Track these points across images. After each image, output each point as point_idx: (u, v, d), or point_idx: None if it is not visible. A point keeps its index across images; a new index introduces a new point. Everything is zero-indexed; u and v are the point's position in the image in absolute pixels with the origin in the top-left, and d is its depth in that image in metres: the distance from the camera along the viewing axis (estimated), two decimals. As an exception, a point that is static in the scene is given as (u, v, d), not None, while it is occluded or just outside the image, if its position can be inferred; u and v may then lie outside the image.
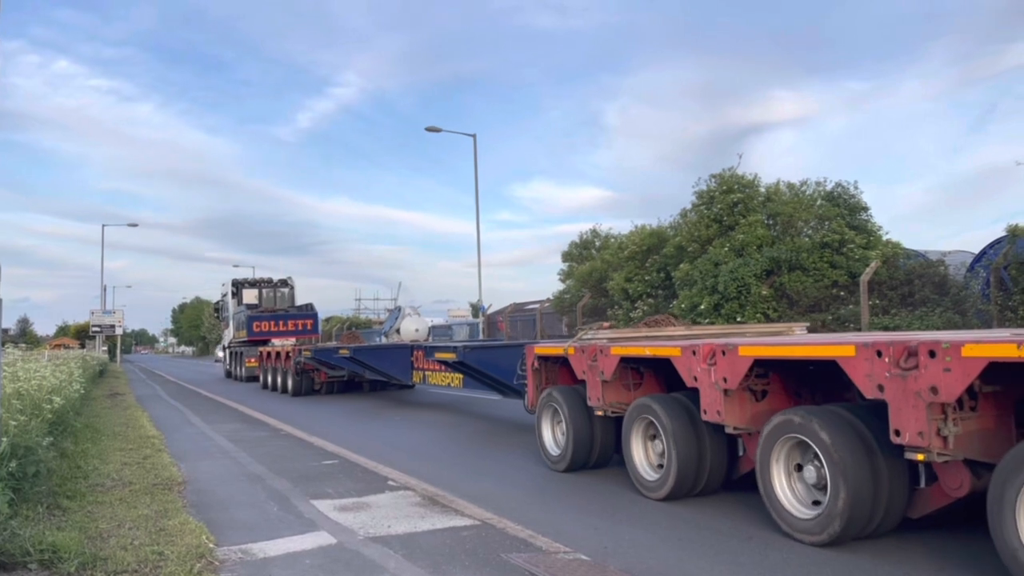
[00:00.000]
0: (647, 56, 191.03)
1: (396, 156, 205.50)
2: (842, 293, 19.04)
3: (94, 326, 50.02)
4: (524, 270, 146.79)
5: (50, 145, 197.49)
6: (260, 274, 44.76)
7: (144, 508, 5.96)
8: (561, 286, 31.79)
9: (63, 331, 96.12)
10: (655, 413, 6.25)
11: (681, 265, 22.18)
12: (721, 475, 6.16)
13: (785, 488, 5.10)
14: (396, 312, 26.82)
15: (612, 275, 25.90)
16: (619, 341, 7.62)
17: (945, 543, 4.74)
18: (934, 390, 4.08)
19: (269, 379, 22.37)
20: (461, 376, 12.33)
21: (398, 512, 5.84)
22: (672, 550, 4.86)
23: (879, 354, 4.41)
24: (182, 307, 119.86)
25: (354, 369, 18.27)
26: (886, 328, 16.58)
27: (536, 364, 8.48)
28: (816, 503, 4.89)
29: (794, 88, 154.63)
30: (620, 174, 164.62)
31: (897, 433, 4.29)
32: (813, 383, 5.32)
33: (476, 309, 29.81)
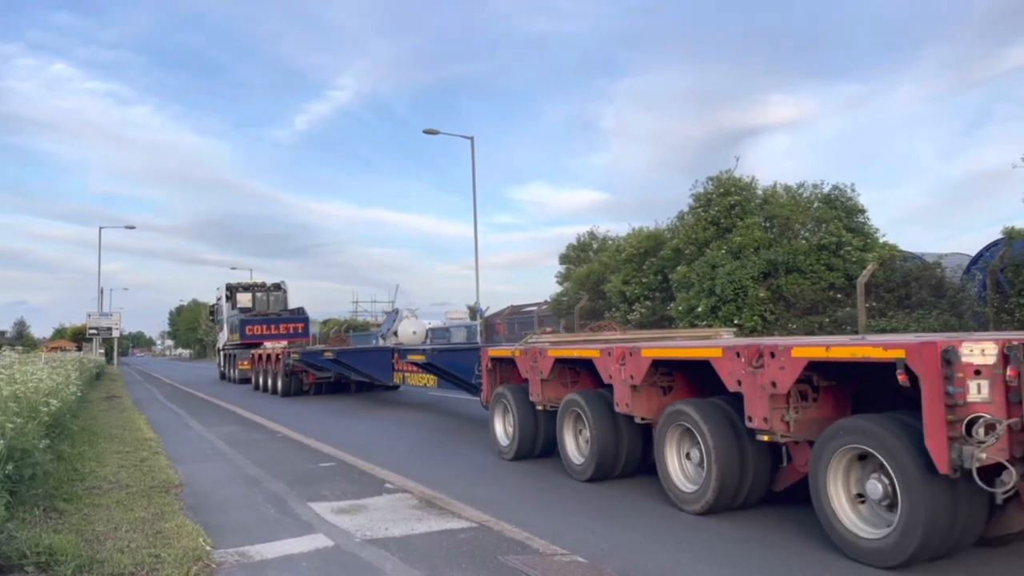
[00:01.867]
0: (642, 60, 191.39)
1: (393, 159, 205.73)
2: (839, 295, 19.06)
3: (91, 328, 49.94)
4: (521, 273, 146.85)
5: (47, 148, 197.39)
6: (257, 277, 44.95)
7: (141, 511, 5.95)
8: (559, 288, 31.82)
9: (60, 333, 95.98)
10: (581, 407, 7.24)
11: (678, 267, 22.21)
12: (637, 461, 7.13)
13: (676, 467, 6.10)
14: (394, 315, 26.83)
15: (610, 277, 25.92)
16: (559, 345, 8.64)
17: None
18: (774, 384, 5.01)
19: (260, 381, 22.93)
20: (435, 377, 13.16)
21: (395, 514, 5.84)
22: (669, 552, 4.86)
23: (738, 355, 5.34)
24: (179, 310, 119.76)
25: (339, 371, 18.94)
26: (883, 330, 16.61)
27: (490, 365, 9.51)
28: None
29: (789, 91, 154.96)
30: (616, 177, 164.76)
31: (750, 419, 5.25)
32: (714, 380, 5.73)
33: (474, 311, 29.83)
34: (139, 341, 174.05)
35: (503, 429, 8.93)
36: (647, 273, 24.52)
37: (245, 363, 25.89)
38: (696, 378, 6.44)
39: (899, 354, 4.30)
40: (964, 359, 4.04)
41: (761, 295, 19.62)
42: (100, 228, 50.34)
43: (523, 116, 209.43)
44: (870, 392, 5.04)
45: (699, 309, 20.43)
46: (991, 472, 3.97)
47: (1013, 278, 14.84)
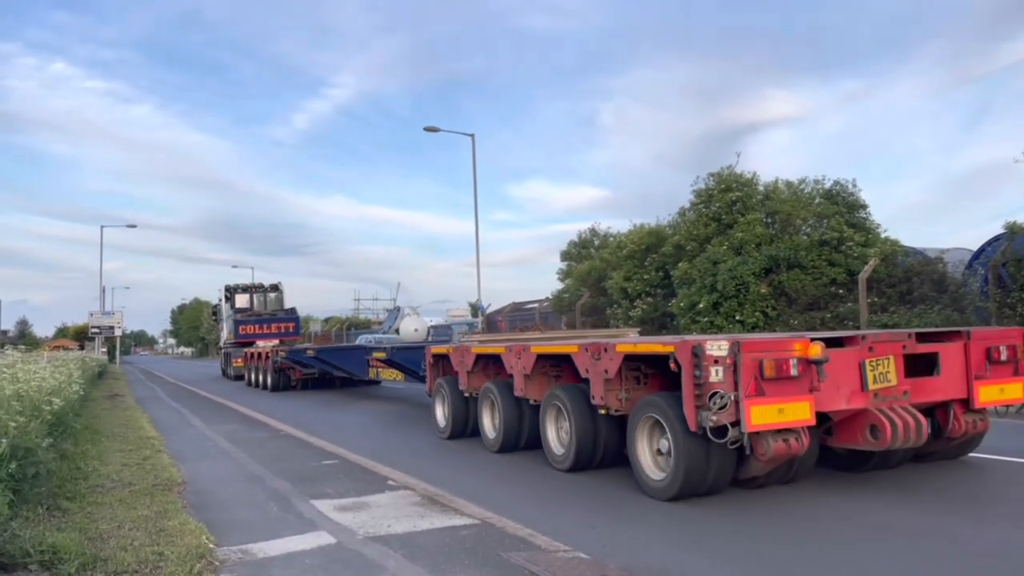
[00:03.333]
0: (641, 56, 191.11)
1: (393, 157, 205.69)
2: (841, 291, 19.03)
3: (93, 327, 49.95)
4: (522, 270, 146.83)
5: (47, 147, 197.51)
6: (258, 275, 45.45)
7: (144, 509, 5.96)
8: (560, 285, 31.79)
9: (62, 332, 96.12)
10: (493, 393, 8.94)
11: (680, 264, 22.18)
12: (534, 435, 8.38)
13: (553, 437, 7.83)
14: (395, 312, 26.89)
15: (611, 274, 25.88)
16: (487, 343, 10.27)
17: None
18: (607, 371, 6.79)
19: (252, 377, 24.54)
20: (402, 373, 14.80)
21: (398, 512, 5.85)
22: (671, 548, 4.87)
23: (586, 350, 7.13)
24: (181, 308, 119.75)
25: (321, 367, 20.54)
26: (884, 326, 16.59)
27: (432, 360, 11.12)
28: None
29: (788, 87, 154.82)
30: (616, 173, 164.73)
31: (594, 398, 7.07)
32: (623, 371, 6.94)
33: (475, 309, 29.82)
34: (141, 340, 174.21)
35: (442, 413, 10.47)
36: (648, 270, 24.47)
37: (239, 361, 27.35)
38: (571, 369, 7.70)
39: (670, 349, 6.00)
40: (707, 352, 5.58)
41: (763, 291, 19.59)
42: (102, 227, 50.28)
43: (522, 113, 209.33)
44: (675, 376, 6.05)
45: (701, 305, 20.40)
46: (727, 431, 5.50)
47: (1015, 273, 14.81)
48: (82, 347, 49.51)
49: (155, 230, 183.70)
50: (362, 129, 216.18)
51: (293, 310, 30.75)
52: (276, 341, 26.33)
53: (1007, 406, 6.87)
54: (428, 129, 28.31)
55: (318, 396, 19.77)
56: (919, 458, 7.12)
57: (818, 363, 5.68)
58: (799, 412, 5.64)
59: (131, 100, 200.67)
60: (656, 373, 6.94)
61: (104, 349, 52.90)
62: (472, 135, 28.99)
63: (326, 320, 54.93)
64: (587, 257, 31.18)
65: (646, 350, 6.49)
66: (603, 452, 7.38)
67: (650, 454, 6.43)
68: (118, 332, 51.61)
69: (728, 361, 5.61)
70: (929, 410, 6.54)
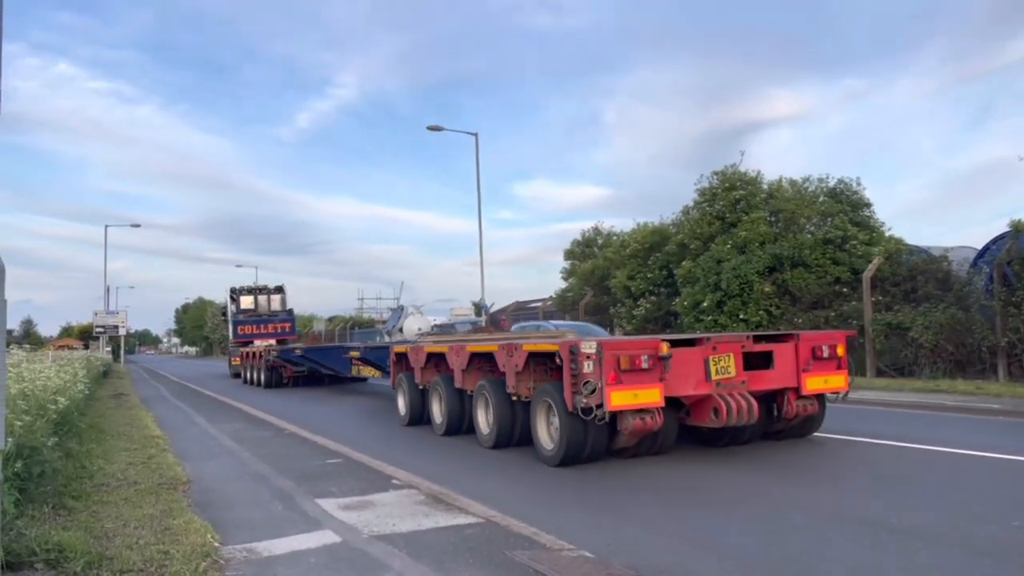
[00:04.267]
0: (644, 55, 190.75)
1: (396, 156, 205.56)
2: (845, 290, 19.00)
3: (98, 327, 50.03)
4: (525, 269, 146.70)
5: (51, 147, 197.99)
6: (262, 274, 45.99)
7: (149, 508, 5.97)
8: (564, 284, 31.79)
9: (67, 332, 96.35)
10: (440, 385, 10.61)
11: (684, 262, 22.16)
12: (469, 420, 9.96)
13: (483, 419, 9.42)
14: (399, 311, 26.89)
15: (615, 273, 25.87)
16: (437, 344, 11.67)
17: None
18: (517, 366, 8.48)
19: (248, 375, 26.08)
20: (377, 369, 16.61)
21: (402, 510, 5.85)
22: (675, 547, 4.86)
23: (504, 349, 8.82)
24: (185, 307, 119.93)
25: (309, 365, 22.40)
26: (889, 324, 16.56)
27: (394, 358, 12.72)
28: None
29: (791, 86, 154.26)
30: (619, 172, 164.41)
31: (508, 387, 8.73)
32: (529, 365, 8.58)
33: (479, 308, 29.81)
34: (145, 339, 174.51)
35: (402, 403, 12.12)
36: (652, 268, 24.45)
37: (236, 359, 29.21)
38: (495, 365, 9.17)
39: (556, 348, 7.72)
40: (582, 350, 7.25)
41: (766, 290, 19.56)
42: (106, 227, 50.18)
43: (525, 112, 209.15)
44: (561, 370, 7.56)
45: (704, 304, 20.38)
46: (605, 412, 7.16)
47: (1020, 271, 14.77)
48: (87, 346, 49.61)
49: (159, 230, 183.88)
50: (365, 128, 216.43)
51: (290, 311, 32.00)
52: (273, 341, 27.55)
53: (836, 393, 8.59)
54: (432, 128, 28.33)
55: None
56: (770, 436, 8.87)
57: (665, 359, 7.35)
58: (651, 396, 7.32)
59: (134, 100, 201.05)
60: (553, 367, 8.17)
61: (108, 348, 53.00)
62: (475, 134, 29.01)
63: (330, 319, 55.00)
64: (591, 256, 31.18)
65: (541, 348, 8.21)
66: (519, 432, 8.97)
67: (545, 430, 8.10)
68: (122, 331, 51.69)
69: (595, 357, 7.22)
70: (771, 396, 8.42)
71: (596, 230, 33.34)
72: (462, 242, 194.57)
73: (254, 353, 25.47)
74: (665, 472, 7.41)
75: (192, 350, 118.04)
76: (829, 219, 20.58)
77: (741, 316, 19.68)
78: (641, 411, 7.33)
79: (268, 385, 23.59)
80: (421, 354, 11.31)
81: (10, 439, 5.19)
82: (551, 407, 7.86)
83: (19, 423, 5.63)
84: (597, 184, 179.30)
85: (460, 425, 10.27)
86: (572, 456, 7.66)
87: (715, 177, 23.04)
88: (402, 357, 12.38)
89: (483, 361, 9.67)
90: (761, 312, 19.47)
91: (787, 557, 4.54)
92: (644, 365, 7.29)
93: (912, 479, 6.77)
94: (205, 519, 5.59)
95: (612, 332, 28.09)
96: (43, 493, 5.96)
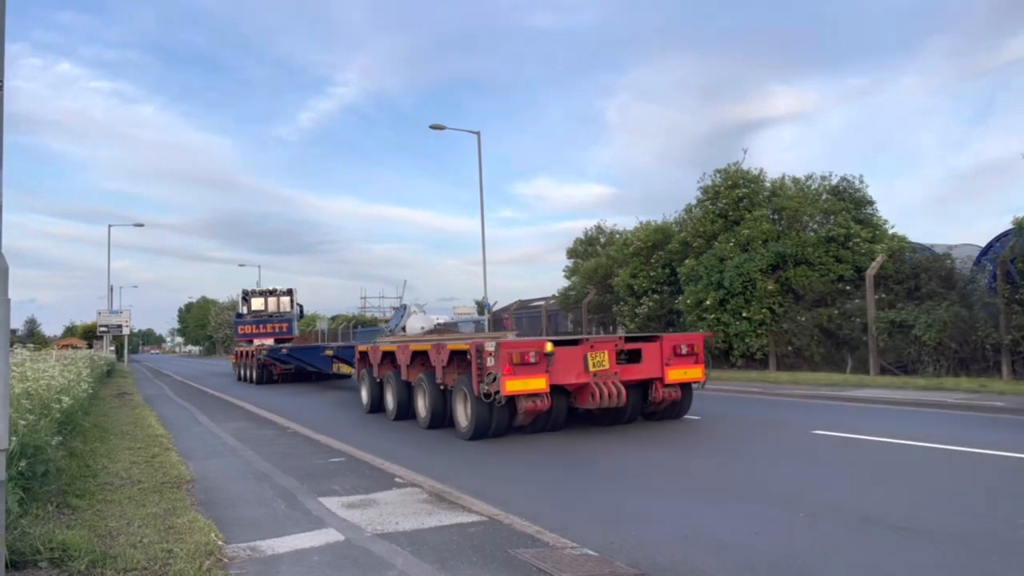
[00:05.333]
0: (645, 53, 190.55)
1: (398, 155, 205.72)
2: (848, 287, 18.95)
3: (101, 326, 50.13)
4: (528, 268, 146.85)
5: (54, 147, 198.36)
6: (265, 273, 46.45)
7: (153, 506, 5.98)
8: (566, 283, 31.74)
9: (70, 331, 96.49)
10: (391, 378, 12.67)
11: (686, 261, 22.12)
12: (410, 407, 12.03)
13: (421, 405, 11.45)
14: (402, 310, 26.94)
15: (617, 271, 25.83)
16: (392, 343, 13.61)
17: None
18: (442, 360, 10.43)
19: (242, 372, 28.43)
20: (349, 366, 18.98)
21: (405, 509, 5.85)
22: (679, 546, 4.86)
23: (434, 348, 10.74)
24: (188, 307, 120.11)
25: (296, 363, 24.48)
26: (892, 322, 16.52)
27: (358, 356, 14.90)
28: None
29: (793, 84, 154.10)
30: (621, 171, 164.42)
31: (437, 379, 10.70)
32: (452, 361, 10.57)
33: (481, 306, 29.83)
34: (149, 338, 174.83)
35: (365, 394, 14.28)
36: (655, 267, 24.40)
37: (233, 358, 31.70)
38: (429, 361, 11.06)
39: (468, 347, 9.73)
40: (486, 349, 9.27)
41: (770, 287, 19.52)
42: (109, 226, 50.54)
43: (527, 110, 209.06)
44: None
45: (707, 302, 20.34)
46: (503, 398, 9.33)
47: (1024, 269, 14.71)
48: (90, 346, 49.68)
49: (162, 229, 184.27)
50: (367, 127, 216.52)
51: (290, 312, 33.26)
52: (271, 340, 28.93)
53: (696, 383, 10.76)
54: (434, 127, 28.33)
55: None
56: (649, 416, 11.12)
57: (549, 355, 9.45)
58: (537, 384, 9.38)
59: (137, 100, 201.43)
60: (467, 362, 9.90)
61: (112, 348, 53.08)
62: (478, 133, 29.03)
63: (332, 318, 55.01)
64: (593, 254, 31.13)
65: (458, 347, 10.27)
66: (448, 415, 10.72)
67: (462, 412, 10.10)
68: (126, 331, 51.78)
69: (495, 354, 9.21)
70: (644, 385, 10.55)
71: (599, 228, 33.31)
72: (464, 241, 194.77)
73: (247, 352, 27.60)
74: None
75: (195, 349, 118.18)
76: (832, 217, 20.52)
77: (744, 314, 19.65)
78: (533, 395, 9.39)
79: (259, 381, 25.62)
80: (378, 353, 13.38)
81: (14, 438, 5.20)
82: (466, 394, 9.88)
83: (23, 422, 5.64)
84: (599, 182, 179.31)
85: (408, 411, 12.07)
86: (480, 432, 9.70)
87: (718, 175, 22.97)
88: (364, 355, 14.33)
89: (422, 358, 11.46)
90: (764, 310, 19.44)
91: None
92: (532, 360, 9.29)
93: (914, 477, 6.75)
94: (209, 518, 5.60)
95: (615, 331, 28.08)
96: (47, 492, 5.98)
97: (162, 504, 6.08)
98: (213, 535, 5.05)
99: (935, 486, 6.37)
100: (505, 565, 4.38)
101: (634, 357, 10.27)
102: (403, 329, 23.57)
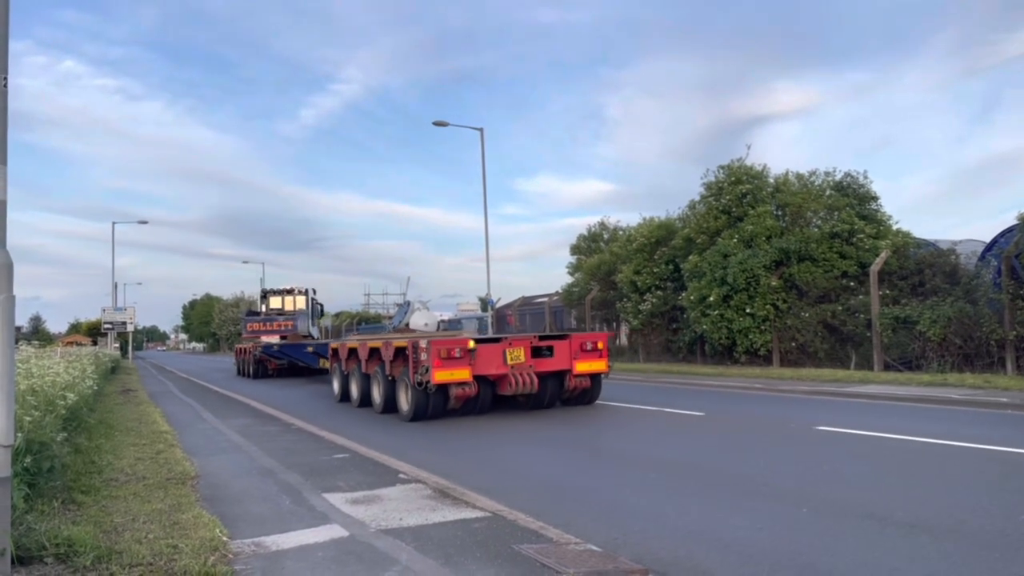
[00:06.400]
0: (648, 49, 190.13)
1: (401, 151, 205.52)
2: (852, 283, 18.91)
3: (106, 323, 50.24)
4: (531, 264, 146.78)
5: (58, 144, 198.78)
6: (269, 271, 46.57)
7: (158, 502, 6.01)
8: (570, 279, 31.73)
9: (75, 328, 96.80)
10: (356, 371, 14.39)
11: (690, 257, 22.09)
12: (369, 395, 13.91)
13: (376, 395, 13.24)
14: (405, 307, 26.90)
15: (621, 268, 25.81)
16: (357, 340, 15.44)
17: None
18: (389, 356, 12.33)
19: (241, 368, 30.86)
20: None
21: (409, 504, 5.87)
22: (681, 541, 4.87)
23: (384, 345, 12.64)
24: (192, 303, 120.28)
25: (288, 359, 26.61)
26: (896, 318, 16.49)
27: (331, 351, 16.76)
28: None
29: (796, 80, 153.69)
30: (624, 167, 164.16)
31: (387, 371, 12.58)
32: (397, 356, 12.29)
33: (485, 303, 29.82)
34: (153, 335, 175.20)
35: (336, 385, 16.26)
36: (658, 263, 24.38)
37: (235, 354, 33.74)
38: (382, 356, 12.69)
39: (406, 344, 11.75)
40: (420, 345, 11.29)
41: (773, 283, 19.48)
42: (113, 223, 50.40)
43: (530, 107, 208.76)
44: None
45: (711, 298, 20.32)
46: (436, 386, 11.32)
47: (1029, 264, 14.66)
48: (95, 343, 49.83)
49: (166, 226, 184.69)
50: (370, 124, 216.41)
51: (296, 310, 33.81)
52: (277, 338, 29.82)
53: (603, 373, 12.66)
54: (437, 123, 28.31)
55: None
56: (566, 403, 12.91)
57: (471, 351, 11.23)
58: (462, 375, 11.21)
59: (140, 97, 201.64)
60: (406, 357, 11.73)
61: (117, 345, 53.22)
62: (481, 129, 29.00)
63: (336, 315, 55.06)
64: (597, 251, 31.11)
65: (401, 344, 12.10)
66: (391, 403, 12.55)
67: (404, 398, 12.01)
68: (130, 328, 51.92)
69: (426, 349, 11.03)
70: (558, 376, 12.29)
71: (602, 225, 33.31)
72: (468, 237, 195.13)
73: (246, 349, 29.87)
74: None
75: (200, 346, 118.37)
76: (836, 213, 20.46)
77: (748, 310, 19.61)
78: (460, 384, 11.24)
79: (255, 376, 27.78)
80: (344, 348, 15.30)
81: (19, 435, 5.22)
82: (407, 384, 11.74)
83: (28, 419, 5.67)
84: (602, 179, 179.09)
85: (369, 400, 13.82)
86: (419, 414, 11.59)
87: (721, 171, 22.91)
88: (335, 352, 16.30)
89: (376, 354, 13.26)
90: (768, 306, 19.41)
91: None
92: (457, 355, 11.09)
93: (917, 473, 6.74)
94: (213, 513, 5.62)
95: (618, 327, 28.06)
96: (52, 488, 6.01)
97: (167, 500, 6.10)
98: (218, 531, 5.07)
99: (938, 482, 6.36)
100: (509, 561, 4.40)
101: (547, 352, 12.05)
102: (407, 326, 23.55)
